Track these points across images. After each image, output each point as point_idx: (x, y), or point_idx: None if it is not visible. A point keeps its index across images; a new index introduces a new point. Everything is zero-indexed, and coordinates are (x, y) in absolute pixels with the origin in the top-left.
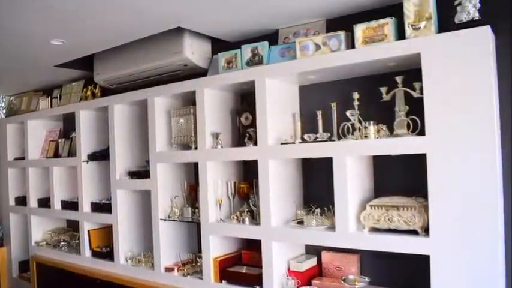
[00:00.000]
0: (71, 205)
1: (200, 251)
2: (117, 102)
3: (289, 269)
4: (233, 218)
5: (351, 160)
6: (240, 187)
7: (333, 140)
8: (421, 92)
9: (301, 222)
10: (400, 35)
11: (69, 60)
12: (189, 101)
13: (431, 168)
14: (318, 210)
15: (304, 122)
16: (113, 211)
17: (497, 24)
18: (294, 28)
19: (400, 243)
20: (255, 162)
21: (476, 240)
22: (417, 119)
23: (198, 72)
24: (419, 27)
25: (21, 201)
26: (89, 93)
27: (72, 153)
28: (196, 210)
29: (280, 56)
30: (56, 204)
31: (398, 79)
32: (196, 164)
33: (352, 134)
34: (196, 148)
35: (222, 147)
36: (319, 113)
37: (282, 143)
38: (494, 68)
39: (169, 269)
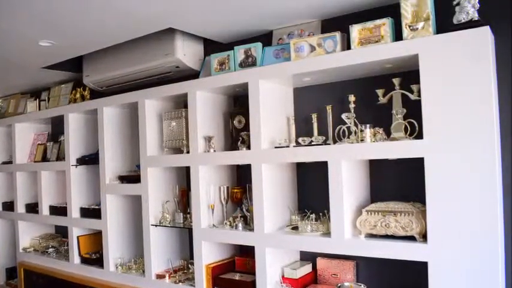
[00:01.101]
0: (59, 210)
1: (192, 258)
2: (106, 104)
3: (283, 276)
4: (226, 223)
5: (347, 164)
6: (233, 192)
7: (328, 144)
8: (419, 95)
9: (295, 228)
10: (397, 36)
11: (58, 62)
12: (181, 103)
13: (429, 172)
14: (313, 216)
15: (299, 125)
16: (102, 216)
17: (497, 25)
18: (288, 29)
19: (397, 249)
20: (249, 166)
21: (476, 247)
22: (415, 122)
23: (189, 74)
24: (417, 28)
25: (9, 206)
26: (78, 95)
27: (60, 157)
28: (188, 215)
29: (274, 57)
30: (44, 210)
31: (396, 81)
32: (188, 169)
33: (348, 137)
34: (188, 152)
35: (214, 151)
36: (314, 116)
37: (276, 147)
38: (494, 69)
39: (160, 276)
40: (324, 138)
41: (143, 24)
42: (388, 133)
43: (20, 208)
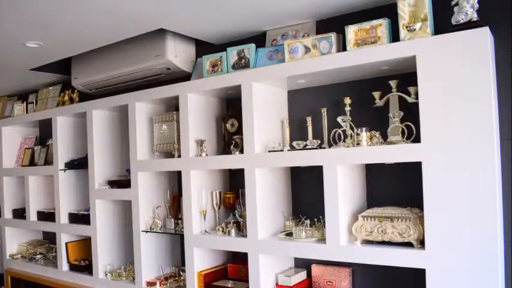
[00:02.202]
0: (47, 216)
1: (183, 265)
2: (96, 107)
3: (277, 284)
4: (218, 229)
5: (342, 169)
6: (225, 197)
7: (324, 148)
8: (416, 97)
9: (290, 234)
10: (394, 36)
11: (46, 64)
12: (172, 106)
13: (426, 177)
14: (308, 222)
15: (293, 128)
16: (91, 222)
17: (496, 26)
18: (282, 30)
19: (394, 256)
20: (242, 171)
21: (475, 253)
22: (412, 125)
23: (181, 76)
24: (415, 29)
25: None
26: (66, 98)
27: (48, 161)
28: (180, 221)
29: (267, 59)
30: (32, 215)
31: (392, 83)
32: (179, 173)
33: (344, 141)
34: (179, 156)
35: (206, 155)
36: (308, 119)
37: (269, 151)
38: (494, 71)
39: (151, 284)
40: (319, 141)
41: (133, 25)
42: (384, 136)
43: (7, 214)
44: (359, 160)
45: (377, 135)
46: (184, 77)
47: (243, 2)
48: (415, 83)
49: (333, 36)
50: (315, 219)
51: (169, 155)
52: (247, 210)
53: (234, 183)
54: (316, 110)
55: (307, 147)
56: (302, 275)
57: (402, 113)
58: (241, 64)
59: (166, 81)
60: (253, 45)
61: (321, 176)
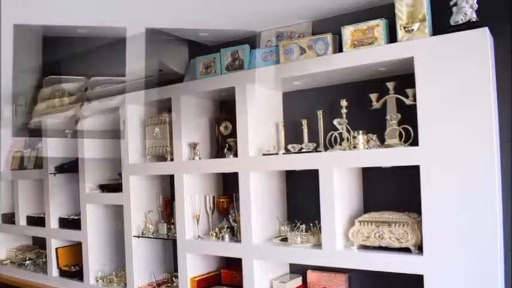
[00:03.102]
0: (37, 221)
1: (176, 270)
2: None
3: None
4: (212, 234)
5: (339, 172)
6: (219, 201)
7: (319, 151)
8: (414, 99)
9: (285, 239)
10: (392, 37)
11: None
12: (165, 108)
13: (424, 181)
14: (303, 227)
15: (288, 131)
16: (82, 227)
17: (496, 26)
18: (277, 30)
19: (391, 262)
20: (236, 174)
21: (474, 259)
22: (410, 128)
23: (174, 78)
24: (412, 29)
25: None
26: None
27: (38, 165)
28: (172, 226)
29: (262, 60)
30: (21, 220)
31: (390, 85)
32: (172, 177)
33: (340, 144)
34: (172, 159)
35: (199, 158)
36: (304, 122)
37: (264, 154)
38: (493, 72)
39: None
40: (315, 145)
41: (126, 25)
42: (382, 140)
43: None
44: (356, 164)
45: (374, 138)
46: (177, 78)
47: (237, 2)
48: (413, 85)
49: (329, 37)
50: (311, 224)
51: (161, 158)
52: (241, 214)
53: (227, 187)
54: (312, 112)
55: (303, 150)
56: (297, 281)
57: (400, 116)
58: (235, 65)
59: (159, 83)
60: (247, 46)
61: (317, 180)
